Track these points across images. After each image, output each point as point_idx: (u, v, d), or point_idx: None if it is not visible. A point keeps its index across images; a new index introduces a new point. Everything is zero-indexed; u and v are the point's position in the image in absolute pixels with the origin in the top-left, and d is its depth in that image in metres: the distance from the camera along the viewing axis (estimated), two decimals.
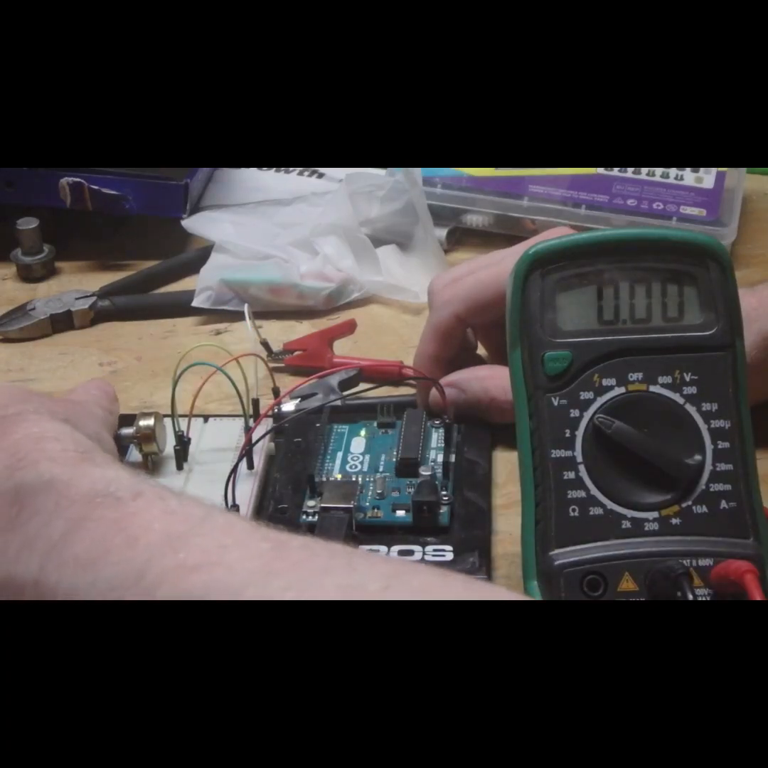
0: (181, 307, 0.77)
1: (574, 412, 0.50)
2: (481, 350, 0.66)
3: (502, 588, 0.41)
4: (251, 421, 0.61)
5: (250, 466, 0.60)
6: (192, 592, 0.38)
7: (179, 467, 0.61)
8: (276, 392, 0.65)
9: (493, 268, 0.60)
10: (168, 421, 0.61)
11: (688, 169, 0.80)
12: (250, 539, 0.41)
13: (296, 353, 0.70)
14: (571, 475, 0.49)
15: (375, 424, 0.63)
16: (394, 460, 0.60)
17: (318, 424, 0.61)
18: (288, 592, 0.38)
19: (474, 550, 0.55)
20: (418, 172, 0.80)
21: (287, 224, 0.80)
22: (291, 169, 0.92)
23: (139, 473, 0.45)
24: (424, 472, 0.58)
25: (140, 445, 0.60)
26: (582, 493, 0.49)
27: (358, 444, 0.61)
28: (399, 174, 0.79)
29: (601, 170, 0.81)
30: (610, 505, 0.49)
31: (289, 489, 0.59)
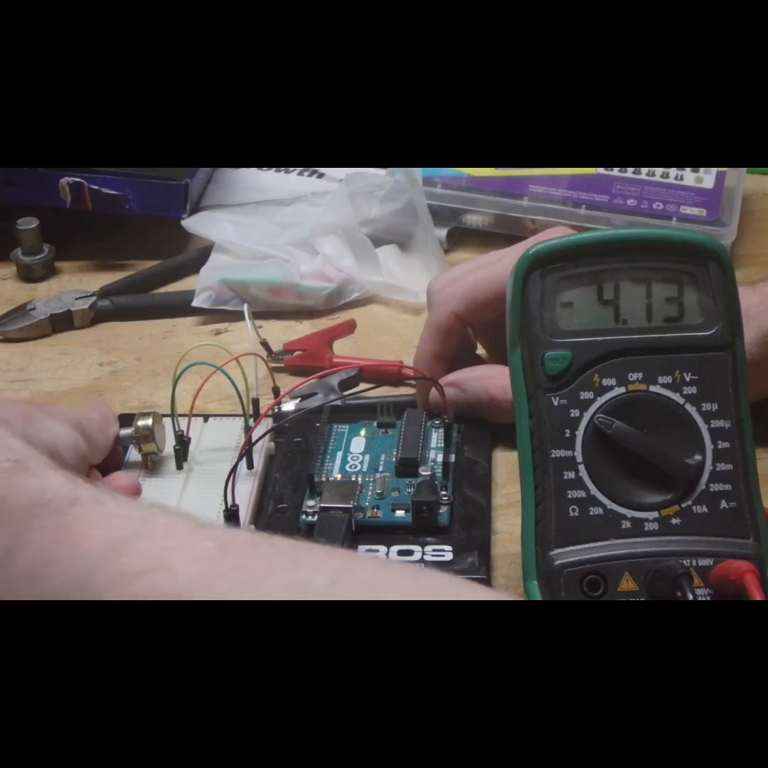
0: (181, 307, 0.77)
1: (574, 412, 0.49)
2: (480, 350, 0.66)
3: (451, 576, 0.39)
4: (251, 421, 0.61)
5: (250, 465, 0.60)
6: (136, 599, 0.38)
7: (179, 467, 0.61)
8: (276, 392, 0.65)
9: (492, 267, 0.60)
10: (168, 421, 0.61)
11: (688, 169, 0.80)
12: (194, 540, 0.40)
13: (296, 353, 0.70)
14: (571, 475, 0.49)
15: (375, 424, 0.63)
16: (394, 460, 0.59)
17: (318, 424, 0.61)
18: (233, 593, 0.37)
19: (473, 550, 0.55)
20: (418, 172, 0.80)
21: (287, 224, 0.80)
22: (291, 169, 0.92)
23: (76, 478, 0.43)
24: (424, 472, 0.58)
25: (139, 445, 0.60)
26: (582, 493, 0.49)
27: (358, 444, 0.61)
28: (399, 174, 0.79)
29: (601, 170, 0.81)
30: (610, 505, 0.49)
31: (288, 489, 0.59)
